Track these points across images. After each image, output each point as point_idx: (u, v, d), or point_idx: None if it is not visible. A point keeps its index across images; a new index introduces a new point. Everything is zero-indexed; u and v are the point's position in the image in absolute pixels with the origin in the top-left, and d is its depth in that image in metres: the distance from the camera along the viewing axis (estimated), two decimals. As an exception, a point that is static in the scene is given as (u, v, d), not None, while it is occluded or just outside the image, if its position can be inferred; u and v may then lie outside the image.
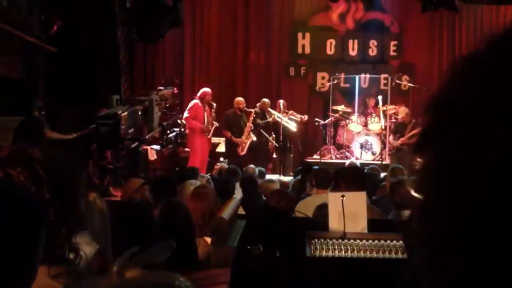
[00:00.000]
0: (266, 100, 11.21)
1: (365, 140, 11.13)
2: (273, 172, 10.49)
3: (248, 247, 3.26)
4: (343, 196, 3.89)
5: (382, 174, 7.69)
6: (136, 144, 8.12)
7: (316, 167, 7.39)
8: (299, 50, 12.80)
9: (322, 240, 3.78)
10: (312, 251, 3.66)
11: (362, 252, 3.72)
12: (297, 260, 3.21)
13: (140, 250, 1.20)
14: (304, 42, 12.79)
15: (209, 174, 9.02)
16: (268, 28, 12.64)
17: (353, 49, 12.66)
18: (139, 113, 8.12)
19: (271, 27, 12.65)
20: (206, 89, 10.51)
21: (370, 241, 3.82)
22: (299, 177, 6.78)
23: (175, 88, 10.61)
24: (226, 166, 9.16)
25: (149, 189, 4.64)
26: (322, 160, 10.86)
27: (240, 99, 11.06)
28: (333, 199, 3.96)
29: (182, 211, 3.27)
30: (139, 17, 5.88)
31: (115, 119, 7.26)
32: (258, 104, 11.15)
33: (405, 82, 12.06)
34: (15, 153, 1.70)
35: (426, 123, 0.61)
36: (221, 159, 10.71)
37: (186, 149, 10.63)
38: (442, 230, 0.54)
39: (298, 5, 12.70)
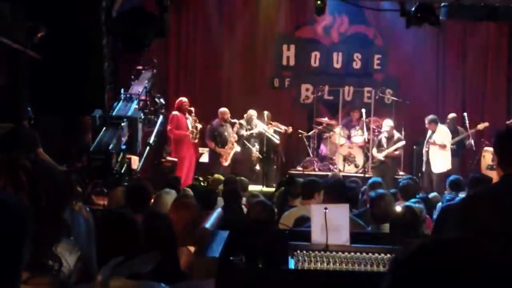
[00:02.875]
0: (252, 111, 11.25)
1: (348, 152, 11.20)
2: (256, 183, 10.50)
3: (231, 258, 3.26)
4: (326, 208, 3.90)
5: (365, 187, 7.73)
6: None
7: (300, 179, 7.41)
8: (284, 62, 12.85)
9: (305, 252, 3.79)
10: (295, 263, 3.67)
11: (344, 264, 3.73)
12: (281, 273, 3.21)
13: (124, 260, 1.20)
14: (289, 54, 12.86)
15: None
16: (254, 39, 12.68)
17: (337, 62, 12.74)
18: (125, 137, 8.27)
19: (257, 39, 12.69)
20: (182, 98, 10.61)
21: (353, 254, 3.84)
22: (282, 188, 6.79)
23: (154, 70, 10.45)
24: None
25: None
26: (305, 172, 10.90)
27: (224, 109, 11.09)
28: (316, 211, 3.98)
29: (164, 221, 3.26)
30: (125, 27, 5.87)
31: (107, 154, 7.36)
32: (245, 115, 11.18)
33: (388, 96, 12.18)
34: (2, 159, 1.70)
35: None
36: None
37: (171, 158, 10.62)
38: None
39: (284, 17, 12.76)
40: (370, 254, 3.85)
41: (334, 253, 3.83)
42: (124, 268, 1.26)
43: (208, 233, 3.43)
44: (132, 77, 10.01)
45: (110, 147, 7.53)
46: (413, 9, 7.00)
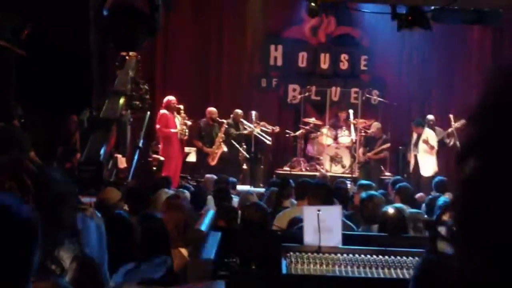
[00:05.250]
0: (239, 111, 11.25)
1: (335, 152, 11.24)
2: (243, 183, 10.50)
3: (226, 260, 3.26)
4: (319, 210, 3.92)
5: (351, 187, 7.78)
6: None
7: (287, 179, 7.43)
8: (271, 62, 12.87)
9: (298, 254, 3.81)
10: (288, 264, 3.68)
11: (337, 266, 3.76)
12: (276, 278, 3.22)
13: (135, 266, 1.20)
14: (276, 54, 12.87)
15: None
16: (241, 39, 12.68)
17: (324, 63, 12.79)
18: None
19: (244, 39, 12.70)
20: (169, 97, 10.54)
21: (345, 255, 3.86)
22: (273, 189, 6.80)
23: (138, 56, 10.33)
24: None
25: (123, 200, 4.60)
26: (292, 172, 10.92)
27: (212, 109, 11.07)
28: (309, 212, 3.99)
29: (158, 223, 3.25)
30: (116, 25, 5.84)
31: (98, 164, 7.28)
32: (231, 116, 11.17)
33: (375, 97, 12.25)
34: (6, 160, 1.69)
35: (471, 134, 0.65)
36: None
37: (157, 156, 10.56)
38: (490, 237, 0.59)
39: (271, 18, 12.78)
40: (362, 256, 3.88)
41: (326, 254, 3.86)
42: (136, 274, 1.26)
43: (203, 235, 3.42)
44: (117, 64, 9.85)
45: (101, 157, 7.44)
46: (404, 12, 7.05)
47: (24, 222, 1.20)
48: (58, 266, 1.75)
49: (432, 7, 7.05)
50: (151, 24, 6.20)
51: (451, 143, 10.76)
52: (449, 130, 10.74)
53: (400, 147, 11.43)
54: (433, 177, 10.26)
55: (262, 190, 8.68)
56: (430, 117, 10.95)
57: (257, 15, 12.65)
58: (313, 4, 8.18)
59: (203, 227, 3.60)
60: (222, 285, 2.50)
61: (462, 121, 10.82)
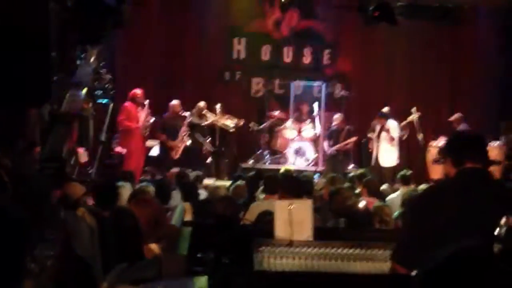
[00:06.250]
0: (201, 103, 11.18)
1: (299, 146, 11.29)
2: (208, 176, 10.43)
3: (199, 255, 3.23)
4: (290, 204, 3.92)
5: (319, 180, 7.82)
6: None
7: (252, 174, 7.42)
8: (235, 55, 12.82)
9: (270, 248, 3.80)
10: (260, 259, 3.66)
11: (309, 260, 3.76)
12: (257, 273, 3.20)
13: (128, 265, 1.16)
14: (240, 48, 12.83)
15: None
16: (204, 32, 12.58)
17: (288, 56, 12.80)
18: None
19: (208, 32, 12.60)
20: (136, 90, 10.40)
21: (317, 249, 3.86)
22: (238, 182, 6.78)
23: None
24: None
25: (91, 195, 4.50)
26: (256, 166, 10.92)
27: (175, 102, 10.97)
28: (280, 206, 3.98)
29: (131, 219, 3.20)
30: (81, 18, 5.70)
31: (60, 161, 7.11)
32: (194, 108, 11.09)
33: (338, 90, 12.33)
34: None
35: None
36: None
37: (120, 149, 10.39)
38: None
39: (234, 11, 12.71)
40: (334, 249, 3.89)
41: (298, 248, 3.85)
42: (129, 274, 1.23)
43: (176, 231, 3.38)
44: (77, 53, 9.62)
45: (63, 154, 7.27)
46: (371, 8, 7.10)
47: (18, 223, 1.16)
48: (38, 265, 1.70)
49: (399, 4, 7.13)
50: (117, 17, 6.08)
51: (405, 136, 10.93)
52: (404, 122, 10.89)
53: (363, 140, 11.54)
54: (394, 167, 10.44)
55: (227, 183, 8.64)
56: (385, 109, 11.05)
57: (220, 8, 12.57)
58: (284, -1, 8.18)
59: (175, 222, 3.55)
60: (199, 280, 2.47)
61: (418, 114, 10.99)
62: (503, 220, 2.30)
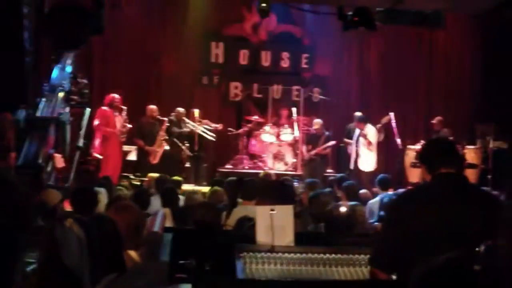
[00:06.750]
0: (181, 109, 11.13)
1: (277, 150, 11.28)
2: (186, 181, 10.37)
3: (181, 262, 3.19)
4: (272, 210, 3.90)
5: (298, 185, 7.81)
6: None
7: (230, 179, 7.39)
8: (212, 59, 12.79)
9: (252, 254, 3.77)
10: (242, 265, 3.64)
11: (291, 265, 3.74)
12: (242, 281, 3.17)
13: (117, 276, 1.13)
14: (218, 52, 12.81)
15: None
16: (182, 36, 12.53)
17: (266, 60, 12.81)
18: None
19: (185, 35, 12.55)
20: (113, 95, 10.32)
21: (299, 254, 3.86)
22: (216, 187, 6.74)
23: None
24: None
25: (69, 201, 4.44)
26: (235, 170, 10.90)
27: (153, 107, 10.91)
28: (261, 212, 3.96)
29: (112, 226, 3.14)
30: (58, 23, 5.61)
31: (36, 167, 6.98)
32: (172, 113, 11.02)
33: (316, 94, 12.37)
34: None
35: None
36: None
37: (96, 154, 10.28)
38: None
39: (212, 15, 12.68)
40: (316, 255, 3.88)
41: (280, 254, 3.84)
42: (118, 285, 1.20)
43: (159, 237, 3.34)
44: (53, 57, 9.49)
45: (40, 160, 7.15)
46: (350, 13, 7.14)
47: (10, 231, 1.12)
48: (21, 273, 1.65)
49: (377, 9, 7.18)
50: (96, 22, 6.01)
51: (382, 138, 11.00)
52: (379, 125, 10.96)
53: (341, 144, 11.58)
54: (373, 172, 10.49)
55: (206, 188, 8.60)
56: (358, 114, 11.08)
57: (198, 12, 12.52)
58: (264, 4, 8.18)
59: (156, 228, 3.51)
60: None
61: (388, 117, 11.06)
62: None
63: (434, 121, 11.29)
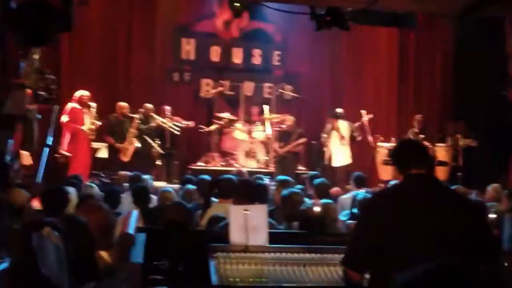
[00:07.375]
0: (149, 105, 11.01)
1: (249, 147, 11.24)
2: (158, 179, 10.26)
3: (155, 263, 3.13)
4: (246, 209, 3.86)
5: (266, 181, 7.76)
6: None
7: (202, 176, 7.32)
8: (183, 56, 12.66)
9: (225, 253, 3.73)
10: (216, 265, 3.59)
11: (265, 265, 3.71)
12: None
13: (97, 284, 1.07)
14: (189, 48, 12.69)
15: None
16: (152, 32, 12.37)
17: (237, 57, 12.75)
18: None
19: (155, 31, 12.40)
20: (83, 91, 10.15)
21: (272, 254, 3.83)
22: (188, 186, 6.67)
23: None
24: None
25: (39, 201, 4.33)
26: (207, 168, 10.83)
27: (123, 104, 10.77)
28: (236, 212, 3.92)
29: (83, 226, 3.06)
30: (26, 20, 5.46)
31: (3, 166, 6.79)
32: (141, 110, 10.89)
33: (288, 92, 12.36)
34: None
35: None
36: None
37: (64, 152, 10.09)
38: None
39: (183, 10, 12.57)
40: (290, 254, 3.86)
41: (254, 254, 3.80)
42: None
43: (132, 238, 3.27)
44: (21, 52, 9.27)
45: (7, 159, 6.97)
46: (322, 13, 7.13)
47: None
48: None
49: (349, 9, 7.18)
50: (65, 19, 5.87)
51: (360, 137, 11.04)
52: (357, 124, 11.01)
53: (313, 142, 11.59)
54: (346, 167, 10.53)
55: (177, 186, 8.51)
56: (339, 110, 11.14)
57: (168, 8, 12.37)
58: (237, 4, 8.11)
59: (130, 229, 3.44)
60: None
61: (370, 116, 11.15)
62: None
63: (417, 118, 11.46)
